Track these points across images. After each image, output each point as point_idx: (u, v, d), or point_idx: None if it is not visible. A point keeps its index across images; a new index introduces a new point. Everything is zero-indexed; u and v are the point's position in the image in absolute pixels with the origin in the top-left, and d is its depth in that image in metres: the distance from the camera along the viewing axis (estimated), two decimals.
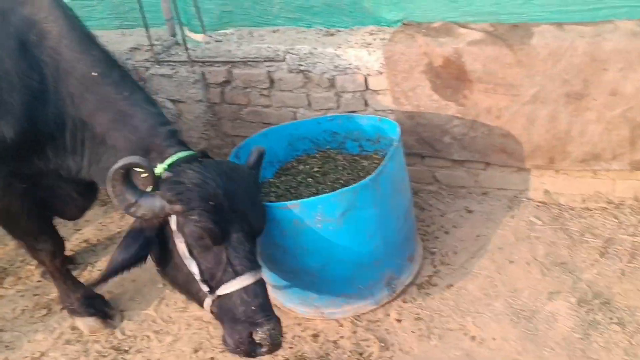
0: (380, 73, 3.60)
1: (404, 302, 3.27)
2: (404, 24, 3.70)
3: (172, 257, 2.65)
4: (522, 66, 3.25)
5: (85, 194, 3.40)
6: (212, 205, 2.50)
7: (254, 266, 2.61)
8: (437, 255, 3.50)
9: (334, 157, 3.60)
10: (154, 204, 2.48)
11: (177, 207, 2.48)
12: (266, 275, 3.32)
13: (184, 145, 2.77)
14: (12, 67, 2.75)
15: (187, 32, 4.09)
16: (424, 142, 3.73)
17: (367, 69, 3.61)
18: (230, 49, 3.91)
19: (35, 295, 3.83)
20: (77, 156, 2.97)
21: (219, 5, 4.07)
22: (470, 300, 3.21)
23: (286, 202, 2.92)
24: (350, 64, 3.63)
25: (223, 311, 2.61)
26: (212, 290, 2.59)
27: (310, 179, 3.51)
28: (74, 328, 3.56)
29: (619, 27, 3.15)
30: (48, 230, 3.39)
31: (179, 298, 3.63)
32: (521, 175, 3.68)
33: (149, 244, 2.61)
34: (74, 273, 3.91)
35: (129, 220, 4.27)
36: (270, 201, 3.37)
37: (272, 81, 3.89)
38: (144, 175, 2.56)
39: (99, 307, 3.57)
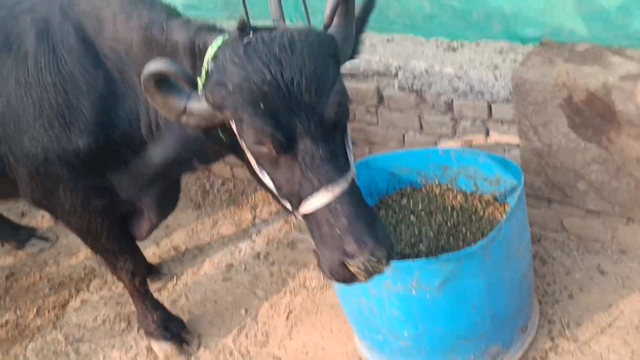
0: (507, 101, 3.05)
1: None
2: (542, 43, 3.11)
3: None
4: None
5: (165, 205, 3.18)
6: (264, 107, 1.95)
7: (333, 176, 2.02)
8: (557, 325, 2.95)
9: (443, 195, 3.13)
10: (203, 111, 2.03)
11: (227, 114, 2.00)
12: (352, 325, 2.98)
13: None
14: (77, 68, 2.50)
15: None
16: (553, 186, 3.15)
17: (492, 95, 3.07)
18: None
19: (118, 304, 3.71)
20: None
21: None
22: None
23: None
24: (472, 88, 3.10)
25: (312, 233, 2.13)
26: (295, 207, 2.12)
27: (413, 217, 3.07)
28: (149, 350, 3.39)
29: None
30: (129, 249, 3.21)
31: (260, 329, 3.37)
32: None
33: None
34: (158, 284, 3.77)
35: (221, 229, 4.10)
36: None
37: (381, 98, 3.44)
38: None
39: (175, 330, 3.38)
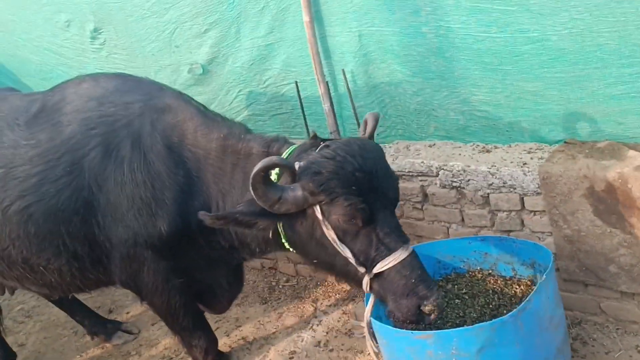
0: (538, 193, 3.42)
1: None
2: (566, 142, 3.51)
3: (320, 243, 2.78)
4: None
5: (233, 284, 3.66)
6: (355, 189, 2.58)
7: (404, 239, 2.72)
8: None
9: (484, 279, 3.45)
10: (297, 197, 2.62)
11: (322, 197, 2.59)
12: None
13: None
14: (162, 168, 3.12)
15: None
16: (586, 270, 3.43)
17: (523, 188, 3.46)
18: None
19: None
20: (225, 231, 3.21)
21: (381, 119, 4.19)
22: None
23: (420, 332, 2.83)
24: (504, 183, 3.50)
25: (384, 288, 2.73)
26: (369, 269, 2.70)
27: (457, 300, 3.39)
28: None
29: None
30: (202, 326, 3.64)
31: None
32: None
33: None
34: None
35: (285, 321, 4.47)
36: None
37: (425, 195, 3.87)
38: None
39: None
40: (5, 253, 3.36)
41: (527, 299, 2.77)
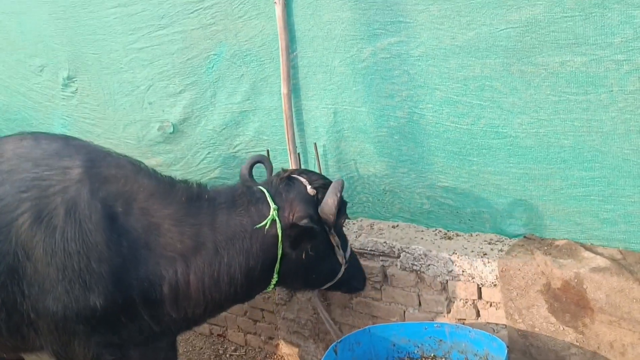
0: (495, 285, 3.46)
1: None
2: (525, 237, 3.60)
3: (327, 254, 3.43)
4: None
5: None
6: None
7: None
8: None
9: None
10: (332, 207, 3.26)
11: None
12: None
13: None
14: (100, 239, 2.97)
15: None
16: None
17: (481, 278, 3.50)
18: (349, 239, 3.99)
19: None
20: (179, 303, 3.14)
21: (349, 196, 4.24)
22: None
23: None
24: (463, 271, 3.54)
25: (350, 270, 3.59)
26: (346, 260, 3.51)
27: None
28: None
29: None
30: None
31: None
32: None
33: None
34: None
35: None
36: None
37: (385, 276, 3.88)
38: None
39: None
40: None
41: None
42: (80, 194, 3.02)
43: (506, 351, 3.02)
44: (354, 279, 3.71)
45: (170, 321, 3.22)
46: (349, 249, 3.58)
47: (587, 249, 3.35)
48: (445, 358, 3.45)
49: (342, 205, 3.36)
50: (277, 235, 3.19)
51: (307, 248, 3.26)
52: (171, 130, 4.70)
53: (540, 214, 3.56)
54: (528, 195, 3.54)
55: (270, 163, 3.66)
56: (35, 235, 2.96)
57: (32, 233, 2.95)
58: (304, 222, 3.17)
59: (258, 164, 3.64)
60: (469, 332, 3.34)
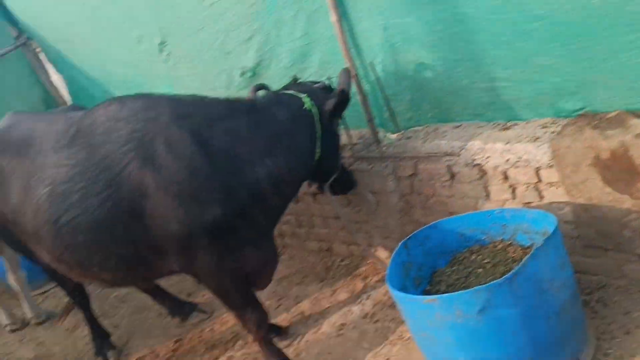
0: (551, 166, 3.60)
1: None
2: (579, 115, 3.66)
3: (334, 143, 4.29)
4: None
5: (274, 261, 4.18)
6: None
7: None
8: (611, 358, 3.29)
9: (505, 249, 3.66)
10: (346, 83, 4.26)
11: None
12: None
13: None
14: (200, 163, 3.57)
15: (383, 132, 4.58)
16: (604, 235, 3.57)
17: (537, 162, 3.64)
18: (416, 145, 4.27)
19: (255, 359, 4.56)
20: (279, 190, 3.87)
21: (411, 105, 4.48)
22: None
23: (427, 296, 3.13)
24: (520, 158, 3.70)
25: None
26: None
27: (480, 270, 3.63)
28: None
29: None
30: (252, 303, 4.07)
31: None
32: None
33: None
34: (286, 342, 4.57)
35: (338, 297, 4.86)
36: (440, 290, 3.61)
37: (452, 174, 4.13)
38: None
39: None
40: (63, 257, 3.89)
41: (521, 263, 3.01)
42: (172, 134, 3.61)
43: (555, 223, 3.19)
44: (346, 173, 4.59)
45: (275, 210, 3.99)
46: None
47: (636, 116, 3.36)
48: (512, 240, 3.67)
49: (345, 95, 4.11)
50: (315, 115, 4.02)
51: (330, 130, 4.14)
52: (250, 74, 5.16)
53: (592, 88, 3.58)
54: (580, 70, 3.55)
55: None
56: (145, 177, 3.56)
57: (142, 175, 3.57)
58: (331, 102, 4.06)
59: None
60: (526, 213, 3.53)
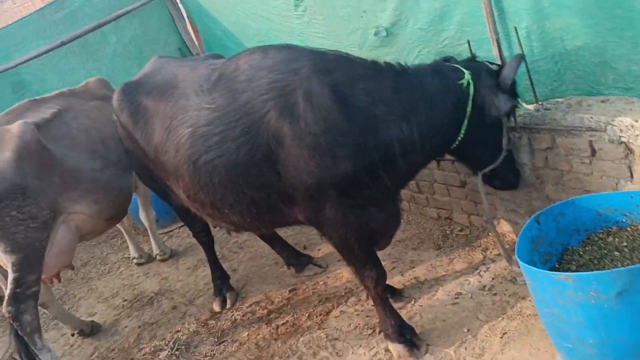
0: None
1: None
2: None
3: (493, 131, 3.99)
4: None
5: (396, 222, 4.21)
6: None
7: None
8: None
9: None
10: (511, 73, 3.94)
11: None
12: (549, 335, 3.43)
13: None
14: (338, 117, 3.60)
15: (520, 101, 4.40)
16: None
17: None
18: (555, 118, 4.07)
19: (368, 316, 4.61)
20: (407, 155, 3.80)
21: (555, 75, 4.26)
22: None
23: (560, 273, 3.02)
24: None
25: (507, 164, 4.24)
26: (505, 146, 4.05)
27: (617, 253, 3.46)
28: (387, 350, 4.19)
29: None
30: (373, 259, 4.09)
31: (477, 345, 3.97)
32: None
33: None
34: (400, 304, 4.59)
35: (455, 266, 4.80)
36: (570, 269, 3.48)
37: (593, 150, 3.91)
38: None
39: (408, 336, 4.11)
40: (197, 197, 4.08)
41: None
42: (312, 87, 3.65)
43: None
44: (510, 173, 4.29)
45: (402, 174, 3.94)
46: (508, 140, 4.03)
47: None
48: None
49: (514, 83, 3.83)
50: (470, 94, 3.82)
51: (485, 116, 3.86)
52: (385, 34, 5.09)
53: None
54: None
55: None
56: (283, 127, 3.65)
57: (280, 125, 3.66)
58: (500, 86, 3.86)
59: None
60: None
